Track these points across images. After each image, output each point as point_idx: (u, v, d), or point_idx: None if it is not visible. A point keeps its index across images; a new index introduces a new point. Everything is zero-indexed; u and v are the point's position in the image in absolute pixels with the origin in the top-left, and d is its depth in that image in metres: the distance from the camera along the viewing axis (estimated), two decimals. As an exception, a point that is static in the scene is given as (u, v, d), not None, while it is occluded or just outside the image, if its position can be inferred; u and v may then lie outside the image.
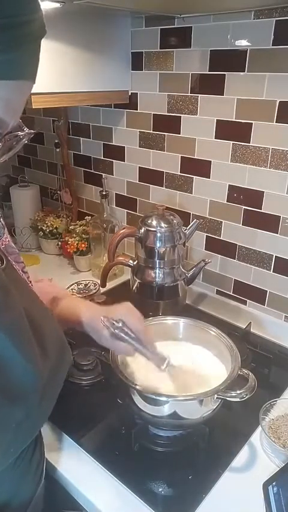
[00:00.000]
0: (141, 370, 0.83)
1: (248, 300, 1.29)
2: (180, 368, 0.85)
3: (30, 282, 0.70)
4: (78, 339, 1.10)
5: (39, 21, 0.42)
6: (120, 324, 0.74)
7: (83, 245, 1.49)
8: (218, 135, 1.19)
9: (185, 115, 1.24)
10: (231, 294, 1.32)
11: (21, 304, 0.60)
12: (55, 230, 1.64)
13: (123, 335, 0.74)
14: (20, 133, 0.49)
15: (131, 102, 1.36)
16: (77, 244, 1.49)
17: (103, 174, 1.55)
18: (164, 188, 1.38)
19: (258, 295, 1.26)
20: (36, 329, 0.60)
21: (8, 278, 0.60)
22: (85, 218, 1.57)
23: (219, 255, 1.31)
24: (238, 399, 0.75)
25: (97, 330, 0.76)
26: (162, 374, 0.83)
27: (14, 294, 0.59)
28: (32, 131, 0.51)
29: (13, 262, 0.66)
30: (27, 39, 0.41)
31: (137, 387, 0.76)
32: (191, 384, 0.82)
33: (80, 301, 0.87)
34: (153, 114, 1.32)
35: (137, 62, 1.30)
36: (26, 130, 0.50)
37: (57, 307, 0.81)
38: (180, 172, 1.32)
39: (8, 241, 0.67)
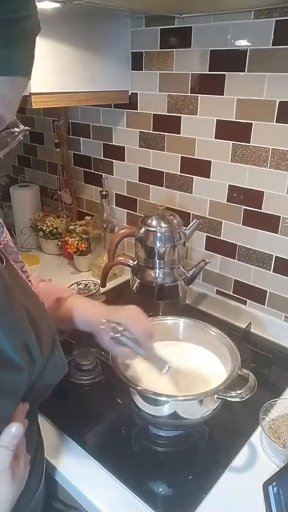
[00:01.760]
0: (141, 370, 0.84)
1: (248, 300, 1.29)
2: (180, 368, 0.85)
3: (30, 281, 0.70)
4: (78, 339, 1.10)
5: (34, 17, 0.43)
6: (121, 328, 0.73)
7: (83, 245, 1.49)
8: (218, 135, 1.19)
9: (185, 115, 1.24)
10: (231, 294, 1.32)
11: (21, 303, 0.60)
12: (55, 230, 1.64)
13: (122, 340, 0.73)
14: (15, 129, 0.49)
15: (131, 102, 1.36)
16: (77, 244, 1.49)
17: (103, 174, 1.55)
18: (164, 188, 1.38)
19: (258, 295, 1.26)
20: (35, 328, 0.61)
21: (8, 277, 0.61)
22: (85, 218, 1.57)
23: (219, 255, 1.31)
24: (238, 399, 0.75)
25: (99, 332, 0.76)
26: (162, 374, 0.83)
27: (16, 294, 0.60)
28: (27, 128, 0.51)
29: (12, 262, 0.66)
30: (23, 35, 0.42)
31: (137, 387, 0.76)
32: (191, 384, 0.82)
33: (83, 301, 0.86)
34: (153, 114, 1.32)
35: (137, 62, 1.30)
36: (22, 127, 0.50)
37: (61, 307, 0.81)
38: (180, 172, 1.32)
39: (7, 240, 0.67)
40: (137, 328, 0.74)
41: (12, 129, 0.49)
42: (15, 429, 0.51)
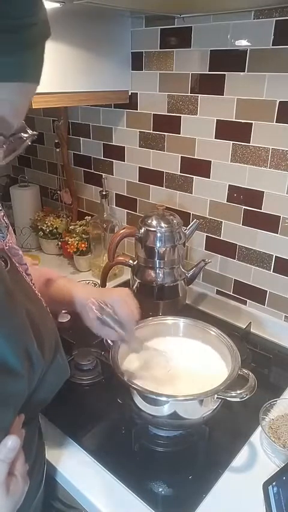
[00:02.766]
0: (141, 370, 0.84)
1: (248, 300, 1.29)
2: (180, 368, 0.85)
3: (34, 284, 0.69)
4: (78, 339, 1.10)
5: (43, 23, 0.42)
6: (108, 309, 0.75)
7: (83, 245, 1.49)
8: (218, 135, 1.19)
9: (185, 115, 1.24)
10: (231, 294, 1.32)
11: (24, 307, 0.60)
12: (55, 230, 1.64)
13: (108, 320, 0.75)
14: (23, 135, 0.49)
15: (131, 102, 1.36)
16: (77, 244, 1.49)
17: (103, 174, 1.55)
18: (164, 188, 1.38)
19: (258, 295, 1.26)
20: (36, 330, 0.61)
21: (11, 280, 0.60)
22: (85, 218, 1.57)
23: (219, 255, 1.31)
24: (238, 399, 0.75)
25: (86, 310, 0.77)
26: (162, 374, 0.83)
27: (18, 298, 0.59)
28: (35, 133, 0.51)
29: (17, 264, 0.66)
30: (32, 41, 0.41)
31: (137, 387, 0.76)
32: (191, 383, 0.82)
33: (74, 282, 0.88)
34: (153, 114, 1.32)
35: (137, 62, 1.30)
36: (30, 132, 0.50)
37: (51, 287, 0.82)
38: (180, 172, 1.32)
39: (11, 242, 0.67)
40: (122, 309, 0.76)
41: (20, 134, 0.49)
42: (11, 442, 0.50)
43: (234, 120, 1.14)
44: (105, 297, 0.77)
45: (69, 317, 1.18)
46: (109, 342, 0.85)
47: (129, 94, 1.35)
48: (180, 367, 0.86)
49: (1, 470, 0.50)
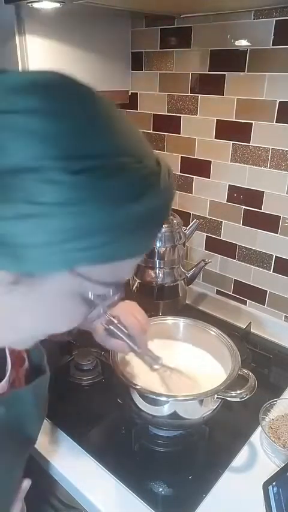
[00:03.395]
0: (141, 370, 0.83)
1: (248, 300, 1.29)
2: (180, 368, 0.85)
3: None
4: (78, 339, 1.10)
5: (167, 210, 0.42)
6: (115, 321, 0.73)
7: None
8: (218, 135, 1.19)
9: (185, 115, 1.24)
10: (231, 294, 1.32)
11: None
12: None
13: (116, 331, 0.73)
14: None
15: (131, 102, 1.36)
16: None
17: (103, 174, 1.55)
18: (164, 188, 1.38)
19: (258, 295, 1.26)
20: None
21: None
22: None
23: (219, 255, 1.31)
24: (238, 399, 0.75)
25: (95, 326, 0.76)
26: (162, 374, 0.83)
27: None
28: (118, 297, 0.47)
29: None
30: (159, 223, 0.42)
31: (137, 387, 0.76)
32: (191, 383, 0.82)
33: None
34: (153, 114, 1.32)
35: (137, 62, 1.30)
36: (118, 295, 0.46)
37: None
38: (180, 172, 1.32)
39: None
40: (130, 322, 0.74)
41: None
42: (26, 483, 0.58)
43: (234, 120, 1.14)
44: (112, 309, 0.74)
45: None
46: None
47: (129, 94, 1.35)
48: (180, 367, 0.86)
49: (19, 506, 0.56)
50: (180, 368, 0.85)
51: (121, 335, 0.73)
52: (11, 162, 0.32)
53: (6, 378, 0.55)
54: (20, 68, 1.01)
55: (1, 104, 0.33)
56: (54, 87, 0.35)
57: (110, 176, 0.34)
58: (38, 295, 0.38)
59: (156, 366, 0.78)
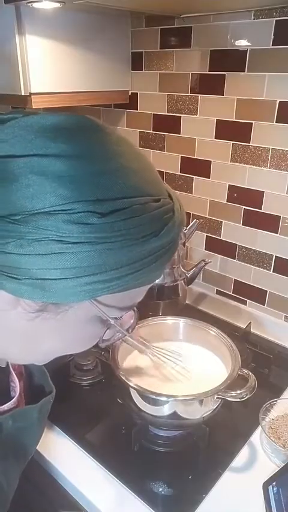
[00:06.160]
0: (141, 370, 0.84)
1: (248, 300, 1.29)
2: (180, 368, 0.85)
3: None
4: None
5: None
6: None
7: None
8: (218, 135, 1.19)
9: (185, 115, 1.24)
10: (231, 294, 1.32)
11: None
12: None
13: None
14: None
15: (131, 102, 1.36)
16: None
17: (103, 174, 1.55)
18: (164, 188, 1.38)
19: (258, 295, 1.26)
20: None
21: None
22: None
23: (219, 255, 1.31)
24: (238, 399, 0.75)
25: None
26: (162, 374, 0.83)
27: None
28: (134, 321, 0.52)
29: None
30: (173, 252, 0.43)
31: (137, 387, 0.76)
32: (191, 383, 0.82)
33: None
34: (153, 114, 1.32)
35: (137, 62, 1.30)
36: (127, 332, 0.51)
37: None
38: (180, 172, 1.32)
39: None
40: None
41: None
42: None
43: (234, 120, 1.14)
44: None
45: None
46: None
47: (129, 94, 1.35)
48: (180, 367, 0.86)
49: None
50: (183, 366, 0.86)
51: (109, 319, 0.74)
52: (44, 205, 0.34)
53: (17, 394, 0.56)
54: (20, 68, 1.01)
55: (30, 148, 0.35)
56: (79, 132, 0.38)
57: (134, 216, 0.36)
58: (61, 321, 0.41)
59: (147, 351, 0.80)
